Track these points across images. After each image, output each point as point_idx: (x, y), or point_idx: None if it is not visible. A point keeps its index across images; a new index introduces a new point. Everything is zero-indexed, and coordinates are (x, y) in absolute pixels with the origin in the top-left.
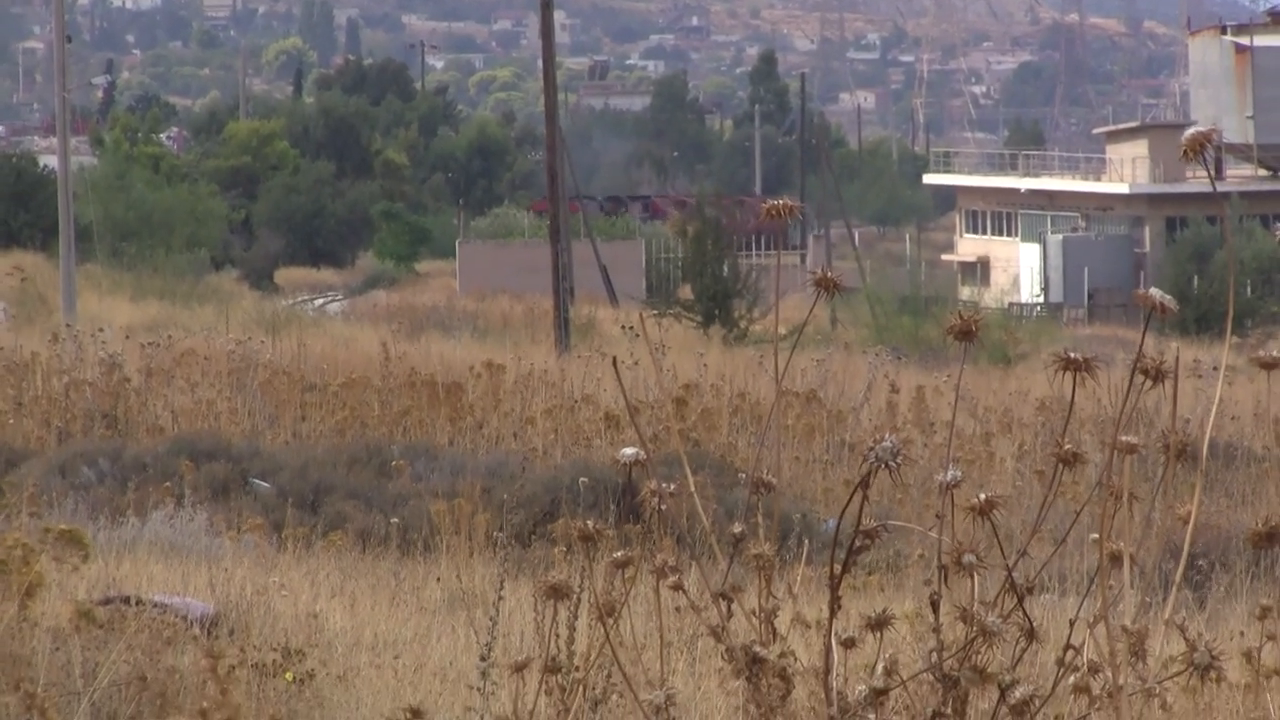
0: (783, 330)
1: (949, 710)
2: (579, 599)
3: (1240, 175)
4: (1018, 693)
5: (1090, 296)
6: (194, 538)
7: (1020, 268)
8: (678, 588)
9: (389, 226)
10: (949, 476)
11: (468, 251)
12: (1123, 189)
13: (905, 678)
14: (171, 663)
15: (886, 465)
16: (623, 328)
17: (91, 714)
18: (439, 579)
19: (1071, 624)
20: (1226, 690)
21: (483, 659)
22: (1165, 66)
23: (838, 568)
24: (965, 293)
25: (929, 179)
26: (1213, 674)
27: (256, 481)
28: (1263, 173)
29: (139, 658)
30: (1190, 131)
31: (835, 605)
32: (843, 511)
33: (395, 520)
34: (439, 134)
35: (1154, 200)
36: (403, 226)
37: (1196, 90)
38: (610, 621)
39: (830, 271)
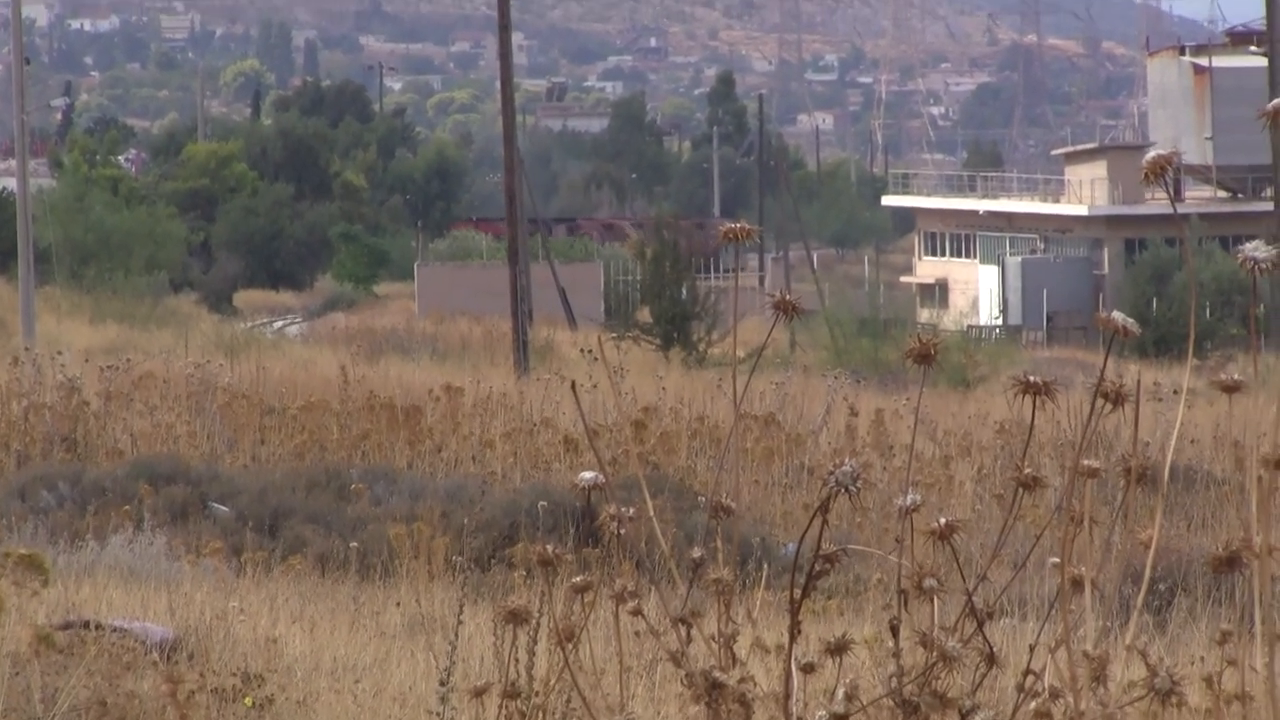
0: (741, 353)
1: None
2: (538, 623)
3: (1199, 197)
4: (978, 718)
5: (1049, 319)
6: (153, 562)
7: (979, 290)
8: (637, 613)
9: (347, 249)
10: (908, 500)
11: (426, 274)
12: (1081, 211)
13: (865, 703)
14: (131, 687)
15: (846, 489)
16: (581, 350)
17: None
18: (398, 603)
19: (1032, 649)
20: (1188, 715)
21: (442, 684)
22: (1124, 87)
23: (797, 592)
24: (924, 315)
25: (887, 201)
26: (1174, 699)
27: (215, 505)
28: (1222, 194)
29: (98, 683)
30: (1151, 154)
31: (795, 630)
32: (802, 535)
33: (354, 544)
34: (397, 155)
35: (1113, 222)
36: (361, 249)
37: (1155, 111)
38: (570, 646)
39: (789, 294)
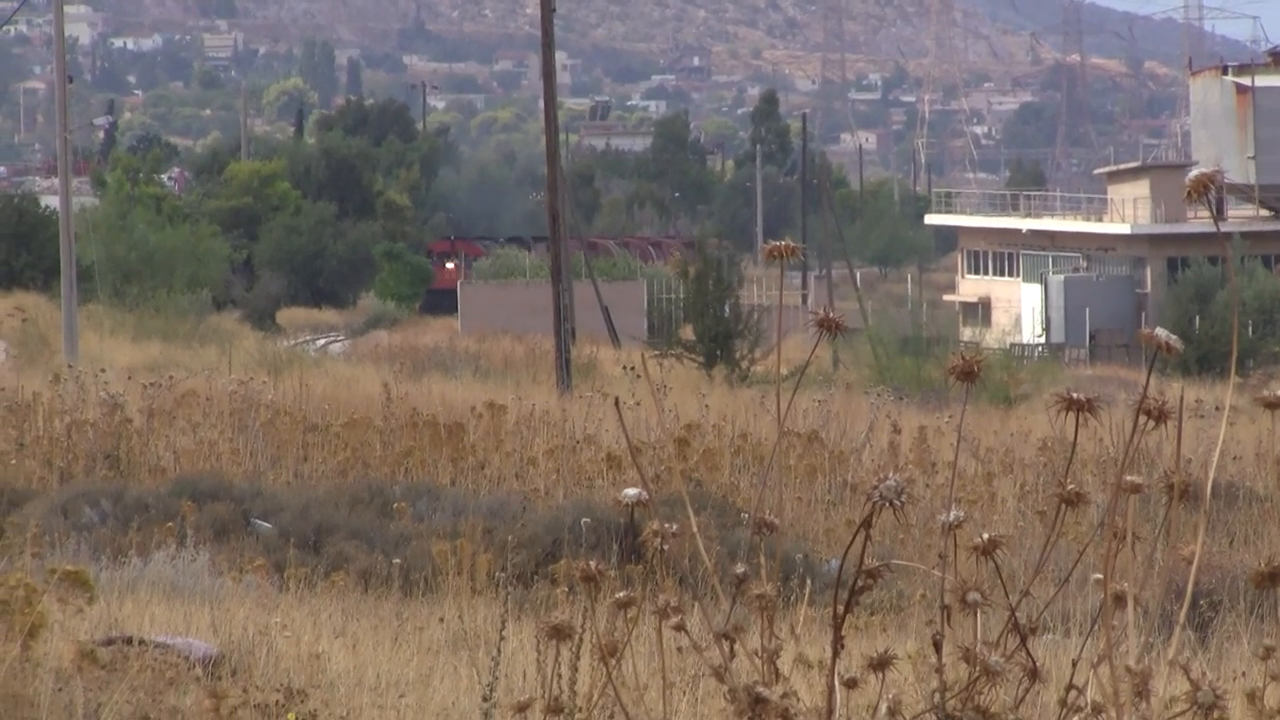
0: (785, 371)
1: None
2: (581, 639)
3: (1242, 215)
4: None
5: (1092, 337)
6: (196, 578)
7: (1022, 308)
8: (680, 628)
9: (391, 267)
10: (951, 516)
11: (469, 292)
12: (1124, 229)
13: (909, 718)
14: (174, 703)
15: (890, 504)
16: (624, 368)
17: None
18: (441, 619)
19: (1074, 664)
20: None
21: (485, 699)
22: (1166, 107)
23: (840, 608)
24: (967, 333)
25: (930, 219)
26: (1216, 714)
27: (258, 522)
28: (1264, 213)
29: (141, 698)
30: (1194, 173)
31: (838, 645)
32: (845, 551)
33: (397, 561)
34: (440, 174)
35: (1155, 240)
36: (404, 267)
37: (1197, 130)
38: (613, 662)
39: (832, 312)
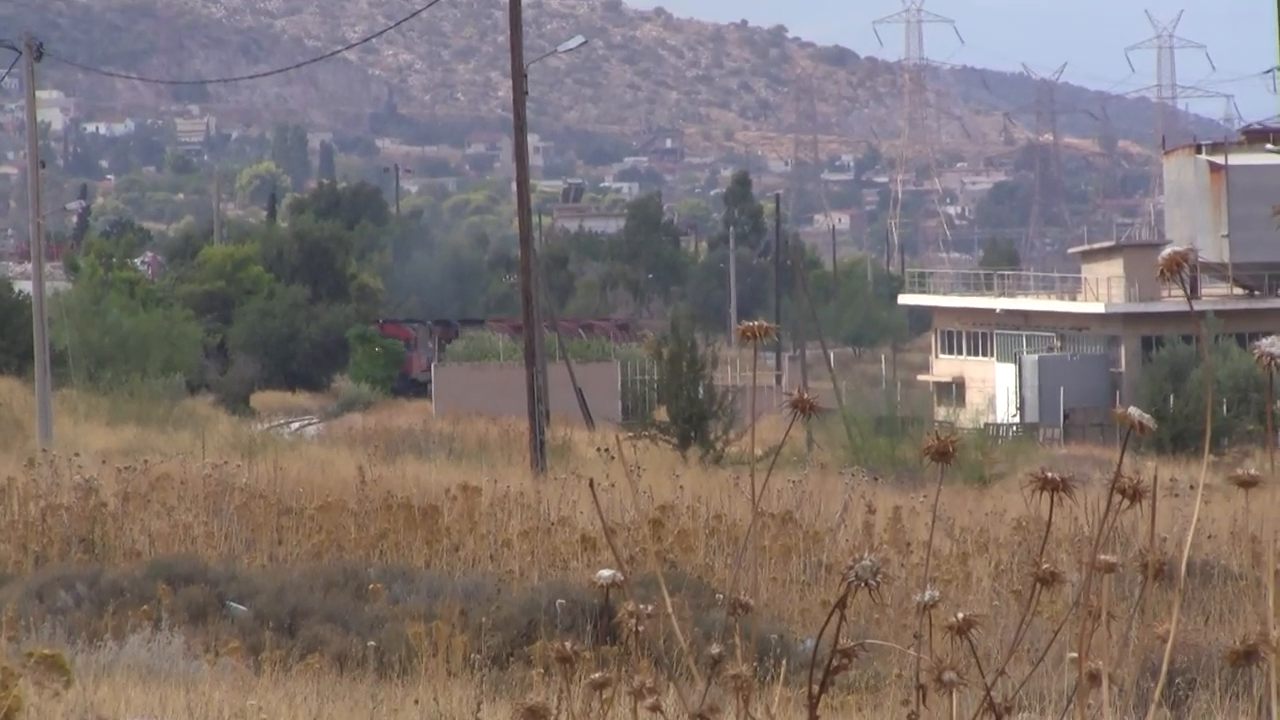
0: (759, 451)
1: None
2: None
3: (1216, 294)
4: None
5: (1066, 416)
6: (171, 661)
7: (996, 388)
8: (656, 709)
9: (363, 350)
10: (926, 596)
11: (443, 374)
12: (1098, 308)
13: None
14: None
15: (866, 584)
16: (599, 449)
17: None
18: (417, 701)
19: None
20: None
21: None
22: (1140, 185)
23: (816, 688)
24: (941, 413)
25: (904, 299)
26: None
27: (234, 605)
28: (1238, 291)
29: None
30: (1167, 251)
31: None
32: (821, 631)
33: (373, 643)
34: (413, 257)
35: (1130, 319)
36: (377, 350)
37: (1171, 209)
38: None
39: (806, 393)
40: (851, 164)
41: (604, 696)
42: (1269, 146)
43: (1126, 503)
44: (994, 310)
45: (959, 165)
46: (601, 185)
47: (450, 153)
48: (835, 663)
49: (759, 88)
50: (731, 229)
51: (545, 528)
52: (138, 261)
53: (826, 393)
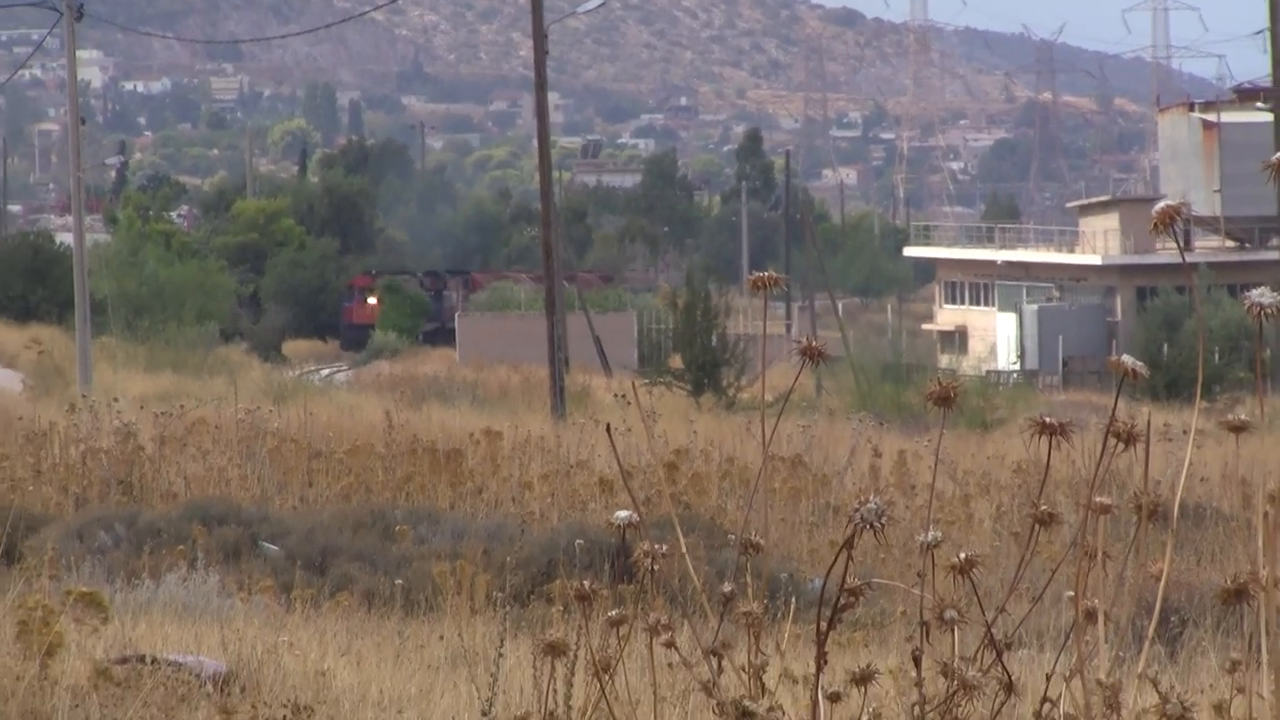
0: (769, 397)
1: None
2: (576, 656)
3: (1208, 246)
4: None
5: (1064, 364)
6: (206, 599)
7: (997, 336)
8: (670, 645)
9: (390, 300)
10: (930, 537)
11: (467, 324)
12: (1095, 260)
13: None
14: (186, 718)
15: (871, 525)
16: (616, 396)
17: None
18: (442, 637)
19: (1048, 678)
20: None
21: (484, 714)
22: (1136, 142)
23: (824, 625)
24: (944, 361)
25: (909, 251)
26: None
27: (266, 545)
28: (1230, 244)
29: (154, 715)
30: (1160, 205)
31: (821, 661)
32: (828, 571)
33: (399, 581)
34: (438, 210)
35: (1125, 271)
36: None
37: (1166, 165)
38: (606, 677)
39: (815, 341)
40: (859, 121)
41: (621, 633)
42: (1259, 105)
43: (1122, 447)
44: (995, 262)
45: (962, 122)
46: (619, 142)
47: (474, 110)
48: (842, 601)
49: (770, 48)
50: (743, 184)
51: (564, 471)
52: (174, 214)
53: (834, 341)
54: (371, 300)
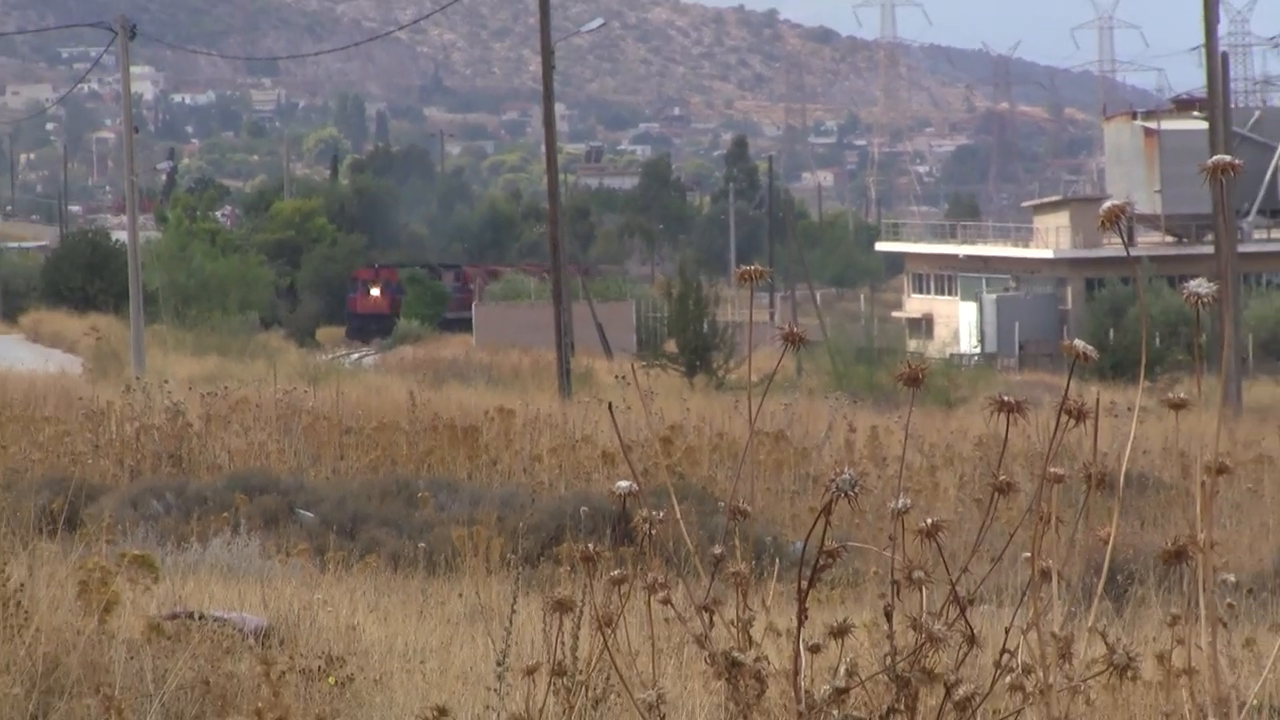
0: (755, 378)
1: (902, 707)
2: (581, 612)
3: (1150, 242)
4: (961, 691)
5: (1020, 347)
6: (248, 560)
7: (960, 323)
8: (666, 602)
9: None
10: (900, 504)
11: (483, 312)
12: (1048, 254)
13: (864, 678)
14: (230, 669)
15: (846, 494)
16: (617, 377)
17: (161, 714)
18: (460, 595)
19: (1007, 631)
20: (1142, 688)
21: (499, 664)
22: (1084, 148)
23: (804, 583)
24: (912, 345)
25: (880, 246)
26: (1130, 673)
27: (302, 512)
28: (1169, 239)
29: (202, 665)
30: (1107, 204)
31: (802, 616)
32: (808, 534)
33: (422, 545)
34: (455, 210)
35: (1075, 264)
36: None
37: (1111, 168)
38: (608, 631)
39: (796, 327)
40: (835, 129)
41: (622, 591)
42: (1195, 114)
43: (1073, 422)
44: (958, 256)
45: (927, 130)
46: (618, 148)
47: (488, 119)
48: (821, 562)
49: (754, 63)
50: (731, 185)
51: (571, 445)
52: (218, 214)
53: (813, 327)
54: (374, 291)
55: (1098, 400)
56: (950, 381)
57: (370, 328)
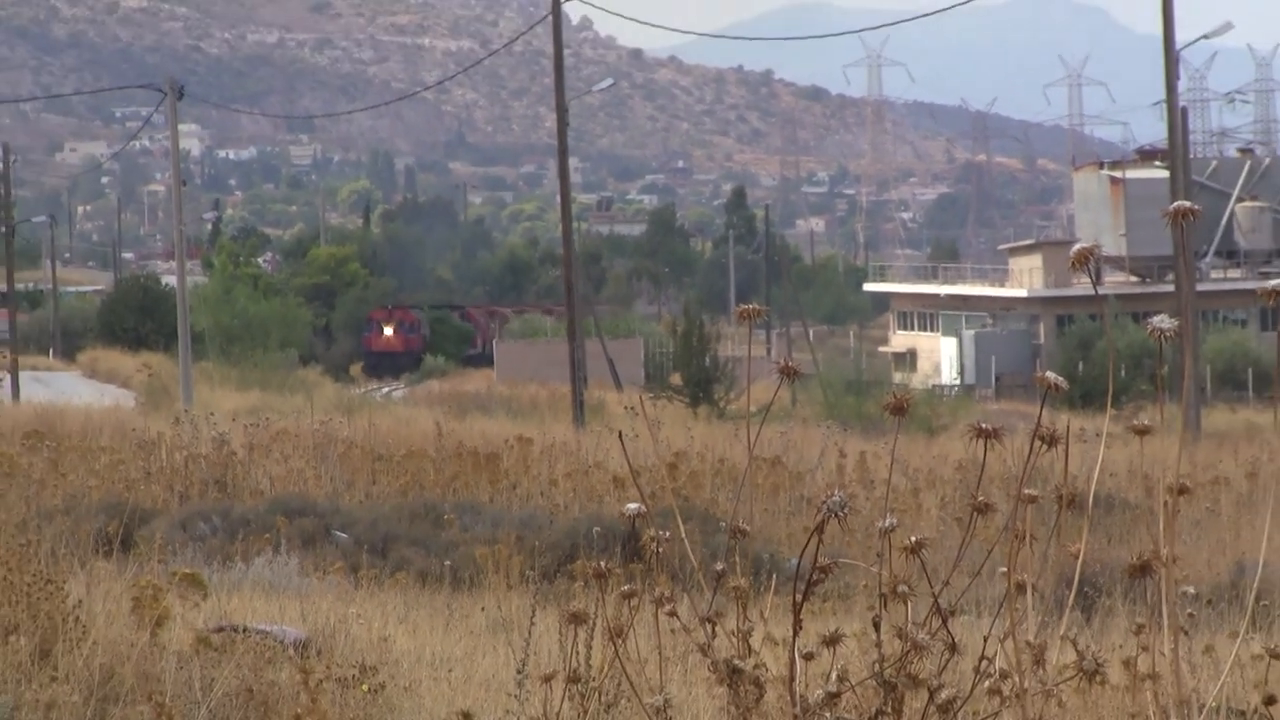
0: (753, 408)
1: (889, 709)
2: (594, 623)
3: (1116, 281)
4: (943, 695)
5: (997, 379)
6: (288, 578)
7: (941, 357)
8: (672, 614)
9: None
10: (886, 523)
11: (503, 349)
12: (1022, 293)
13: (854, 683)
14: (272, 678)
15: (836, 515)
16: (626, 408)
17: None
18: (483, 609)
19: (985, 639)
20: (1110, 691)
21: (519, 672)
22: (1055, 195)
23: (799, 597)
24: (897, 377)
25: (868, 287)
26: (1098, 678)
27: (337, 533)
28: (1133, 279)
29: (246, 674)
30: (1076, 247)
31: (797, 626)
32: (802, 551)
33: (448, 562)
34: (478, 255)
35: (1047, 302)
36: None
37: (1080, 214)
38: (619, 641)
39: (791, 362)
40: (826, 179)
41: (631, 604)
42: (1157, 163)
43: (1045, 447)
44: (939, 295)
45: (911, 180)
46: (627, 197)
47: (507, 171)
48: (814, 577)
49: (752, 119)
50: (731, 232)
51: (584, 470)
52: (259, 260)
53: (807, 362)
54: (388, 331)
55: (1068, 427)
56: (932, 411)
57: (384, 365)
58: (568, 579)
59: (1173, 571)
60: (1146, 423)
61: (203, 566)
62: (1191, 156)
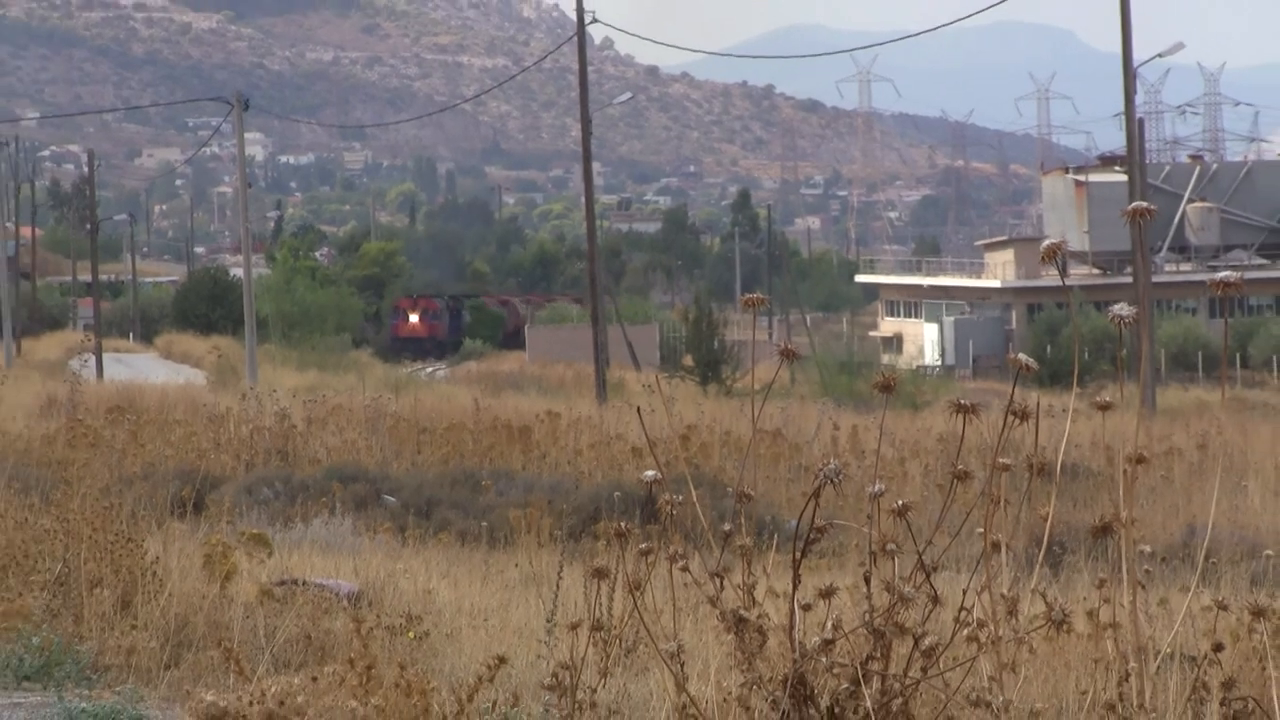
0: (757, 386)
1: (878, 654)
2: (615, 578)
3: (1080, 273)
4: (926, 642)
5: (974, 361)
6: (343, 537)
7: (924, 341)
8: (685, 569)
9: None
10: (876, 489)
11: (534, 334)
12: (996, 284)
13: (847, 631)
14: (328, 626)
15: (831, 481)
16: (643, 386)
17: (272, 663)
18: (517, 565)
19: (965, 592)
20: (1075, 638)
21: (548, 620)
22: (1026, 197)
23: (798, 554)
24: (885, 359)
25: (859, 278)
26: (1065, 627)
27: (386, 497)
28: (1096, 271)
29: (305, 623)
30: (1045, 243)
31: (796, 581)
32: (801, 514)
33: (484, 524)
34: (511, 250)
35: (1019, 292)
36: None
37: (1048, 213)
38: (638, 593)
39: (790, 345)
40: (821, 182)
41: (648, 561)
42: (1117, 168)
43: (1017, 421)
44: (923, 286)
45: (897, 183)
46: (644, 198)
47: (538, 175)
48: (811, 536)
49: (755, 129)
50: (736, 229)
51: (606, 441)
52: (317, 254)
53: (804, 345)
54: (413, 318)
55: (1038, 404)
56: (917, 389)
57: (409, 349)
58: (592, 538)
59: (1131, 532)
60: (1108, 400)
61: (266, 527)
62: (1148, 162)
